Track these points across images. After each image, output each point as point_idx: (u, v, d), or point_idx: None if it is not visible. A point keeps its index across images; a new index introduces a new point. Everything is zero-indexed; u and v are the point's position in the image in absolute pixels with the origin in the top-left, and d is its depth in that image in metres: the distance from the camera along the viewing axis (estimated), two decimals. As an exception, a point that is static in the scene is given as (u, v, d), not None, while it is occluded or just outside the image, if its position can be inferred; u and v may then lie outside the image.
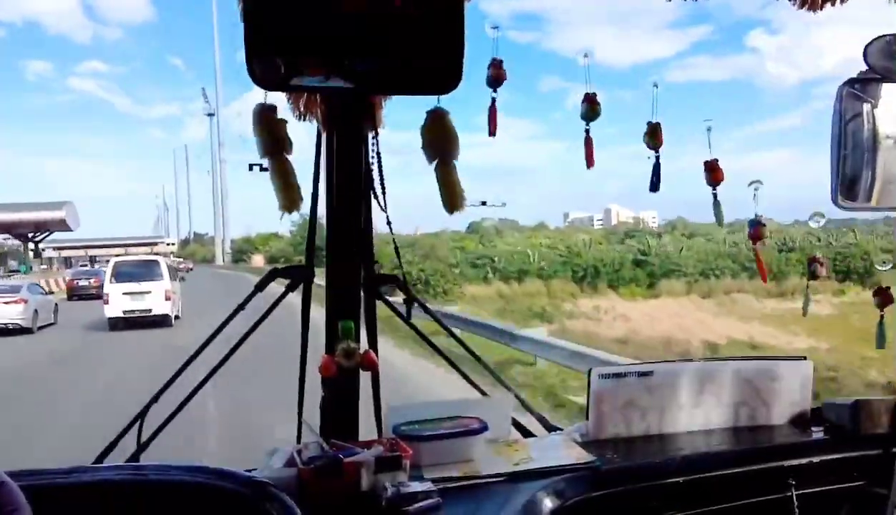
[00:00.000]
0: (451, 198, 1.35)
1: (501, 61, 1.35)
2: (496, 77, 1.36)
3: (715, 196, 1.44)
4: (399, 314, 1.55)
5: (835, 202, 1.38)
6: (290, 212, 1.33)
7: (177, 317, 17.72)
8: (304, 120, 1.42)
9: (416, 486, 1.18)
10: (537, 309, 24.71)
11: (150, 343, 14.51)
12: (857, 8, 1.31)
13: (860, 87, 1.35)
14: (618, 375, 1.50)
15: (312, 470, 1.18)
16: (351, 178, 1.41)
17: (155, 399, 1.42)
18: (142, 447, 1.41)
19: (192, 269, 49.88)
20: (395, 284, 1.55)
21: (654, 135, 1.45)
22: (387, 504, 1.15)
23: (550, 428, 1.57)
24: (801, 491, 1.41)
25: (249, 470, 1.20)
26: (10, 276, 30.00)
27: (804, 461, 1.45)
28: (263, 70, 1.18)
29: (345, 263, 1.43)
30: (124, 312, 16.81)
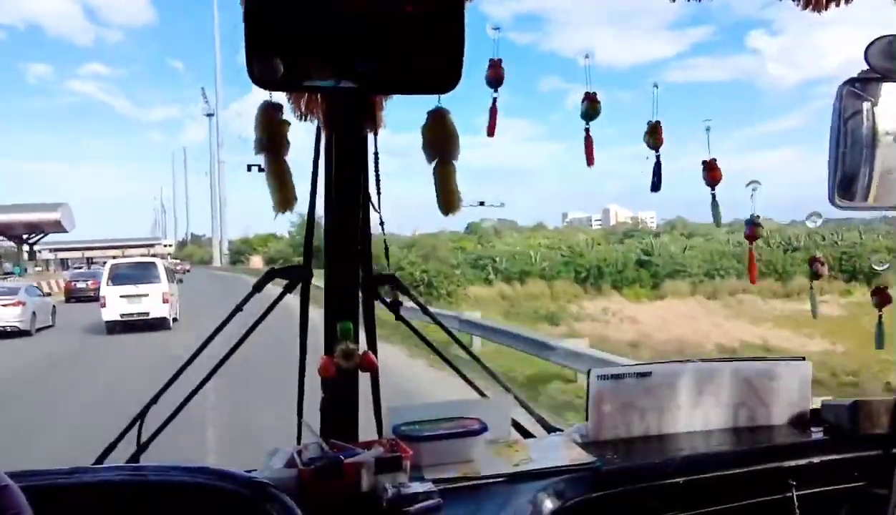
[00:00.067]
0: (448, 199, 1.35)
1: (500, 61, 1.35)
2: (494, 77, 1.36)
3: (714, 196, 1.44)
4: (398, 314, 1.55)
5: (832, 201, 1.38)
6: (283, 211, 1.32)
7: (175, 320, 17.63)
8: (305, 120, 1.42)
9: (417, 487, 1.18)
10: (543, 311, 24.21)
11: (148, 345, 14.49)
12: (859, 9, 1.31)
13: (860, 86, 1.35)
14: (617, 376, 1.51)
15: (313, 471, 1.17)
16: (350, 179, 1.41)
17: (154, 400, 1.42)
18: (142, 447, 1.40)
19: (188, 271, 49.73)
20: (394, 285, 1.55)
21: (654, 135, 1.45)
22: (387, 504, 1.15)
23: (550, 429, 1.57)
24: (801, 492, 1.41)
25: (249, 471, 1.20)
26: (4, 278, 29.86)
27: (804, 461, 1.45)
28: (263, 70, 1.18)
29: (343, 264, 1.43)
30: (121, 315, 16.69)
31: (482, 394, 1.58)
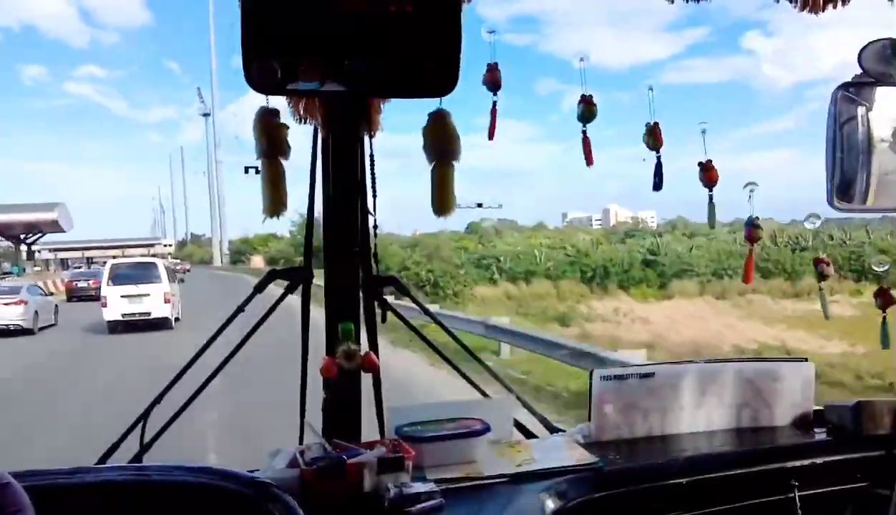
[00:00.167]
0: (443, 200, 1.36)
1: (496, 65, 1.35)
2: (491, 80, 1.36)
3: (710, 197, 1.44)
4: (398, 314, 1.56)
5: (830, 204, 1.38)
6: (272, 216, 1.33)
7: (177, 319, 17.62)
8: (304, 122, 1.42)
9: (419, 487, 1.18)
10: (552, 311, 23.65)
11: (151, 344, 14.50)
12: (853, 11, 1.31)
13: (854, 91, 1.36)
14: (620, 377, 1.51)
15: (315, 471, 1.18)
16: (349, 180, 1.42)
17: (158, 400, 1.42)
18: (145, 447, 1.41)
19: (188, 271, 49.60)
20: (395, 285, 1.55)
21: (652, 136, 1.45)
22: (389, 504, 1.15)
23: (552, 429, 1.57)
24: (803, 493, 1.41)
25: (252, 471, 1.20)
26: (2, 278, 29.83)
27: (807, 462, 1.45)
28: (260, 74, 1.18)
29: (344, 264, 1.43)
30: (123, 315, 16.66)
31: (484, 395, 1.58)
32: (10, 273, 37.91)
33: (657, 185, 1.44)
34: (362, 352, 1.36)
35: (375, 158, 1.43)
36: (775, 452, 1.48)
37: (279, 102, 1.36)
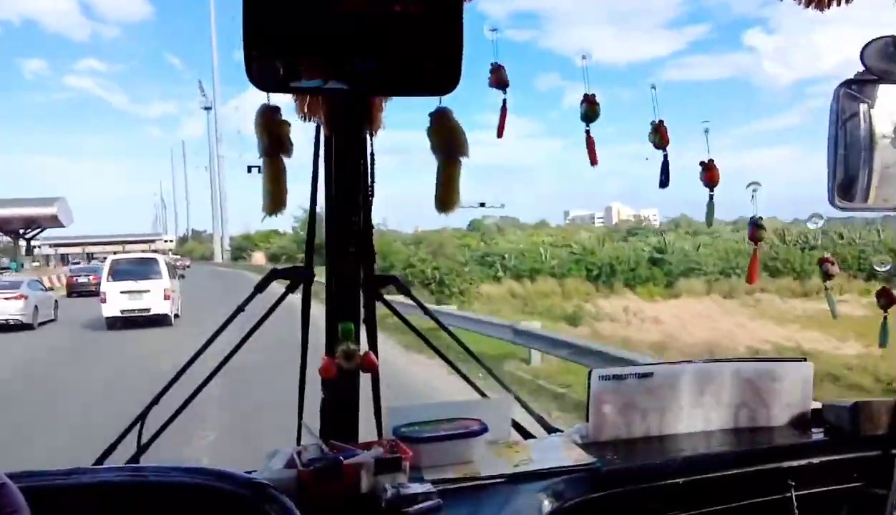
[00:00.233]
0: (447, 197, 1.35)
1: (502, 66, 1.35)
2: (498, 81, 1.35)
3: (711, 197, 1.44)
4: (399, 315, 1.55)
5: (832, 202, 1.38)
6: (272, 215, 1.33)
7: (176, 316, 17.59)
8: (308, 120, 1.42)
9: (416, 488, 1.18)
10: (558, 310, 22.78)
11: (150, 339, 14.52)
12: (855, 8, 1.31)
13: (857, 88, 1.35)
14: (618, 377, 1.50)
15: (312, 472, 1.17)
16: (351, 179, 1.41)
17: (155, 400, 1.42)
18: (142, 448, 1.41)
19: (188, 267, 49.41)
20: (395, 285, 1.55)
21: (658, 134, 1.44)
22: (386, 505, 1.15)
23: (550, 430, 1.57)
24: (800, 492, 1.41)
25: (249, 472, 1.19)
26: (0, 274, 29.80)
27: (804, 462, 1.45)
28: (262, 72, 1.18)
29: (344, 264, 1.43)
30: (122, 311, 16.64)
31: (483, 395, 1.58)
32: (8, 268, 37.70)
33: (663, 183, 1.44)
34: (362, 352, 1.36)
35: (375, 155, 1.43)
36: (773, 452, 1.48)
37: (280, 100, 1.36)
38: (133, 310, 16.63)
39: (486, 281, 28.63)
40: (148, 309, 16.74)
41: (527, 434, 1.53)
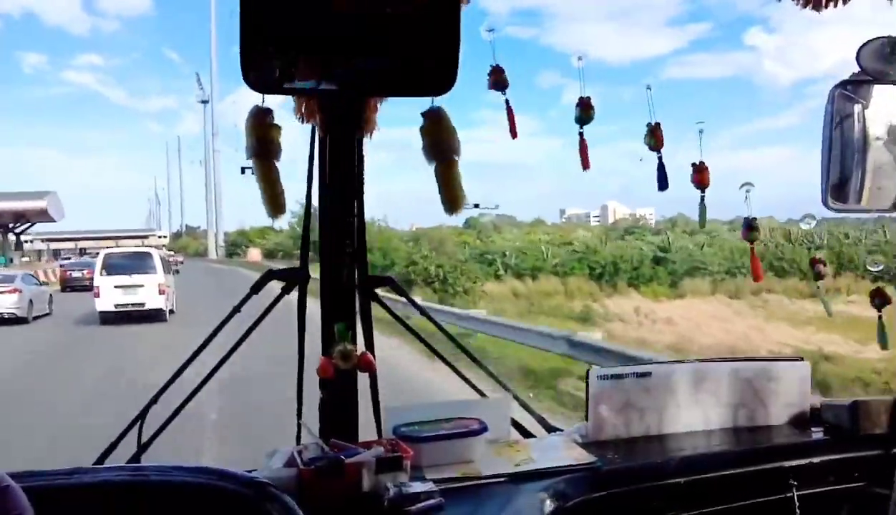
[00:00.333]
0: (452, 197, 1.35)
1: (501, 68, 1.35)
2: (497, 83, 1.35)
3: (702, 199, 1.44)
4: (395, 315, 1.55)
5: (825, 203, 1.38)
6: (276, 216, 1.34)
7: (171, 312, 17.50)
8: (306, 121, 1.42)
9: (418, 487, 1.18)
10: (565, 310, 21.99)
11: (145, 333, 14.47)
12: (855, 8, 1.31)
13: (852, 89, 1.35)
14: (617, 376, 1.51)
15: (313, 471, 1.17)
16: (345, 180, 1.42)
17: (154, 400, 1.42)
18: (142, 448, 1.40)
19: (181, 263, 49.03)
20: (390, 285, 1.55)
21: (654, 136, 1.45)
22: (388, 504, 1.15)
23: (550, 429, 1.58)
24: (801, 492, 1.41)
25: (250, 471, 1.19)
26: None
27: (804, 461, 1.46)
28: (258, 74, 1.18)
29: (339, 265, 1.43)
30: (116, 306, 16.45)
31: (482, 394, 1.58)
32: (-4, 262, 37.03)
33: (661, 186, 1.44)
34: (359, 352, 1.36)
35: (371, 153, 1.44)
36: (773, 451, 1.49)
37: (278, 101, 1.35)
38: (127, 305, 16.45)
39: (488, 280, 28.01)
40: (142, 304, 16.58)
41: (527, 434, 1.54)
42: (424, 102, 1.34)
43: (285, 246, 40.02)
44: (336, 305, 1.42)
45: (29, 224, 42.81)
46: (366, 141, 1.45)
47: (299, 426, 1.41)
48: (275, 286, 1.51)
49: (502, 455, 1.38)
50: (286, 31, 1.17)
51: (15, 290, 17.72)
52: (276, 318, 1.50)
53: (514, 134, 1.38)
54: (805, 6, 1.30)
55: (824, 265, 1.52)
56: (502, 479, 1.28)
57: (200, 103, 78.19)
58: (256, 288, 1.50)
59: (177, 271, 25.58)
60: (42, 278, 25.84)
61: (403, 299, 1.66)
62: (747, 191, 1.41)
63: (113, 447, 1.39)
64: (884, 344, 1.41)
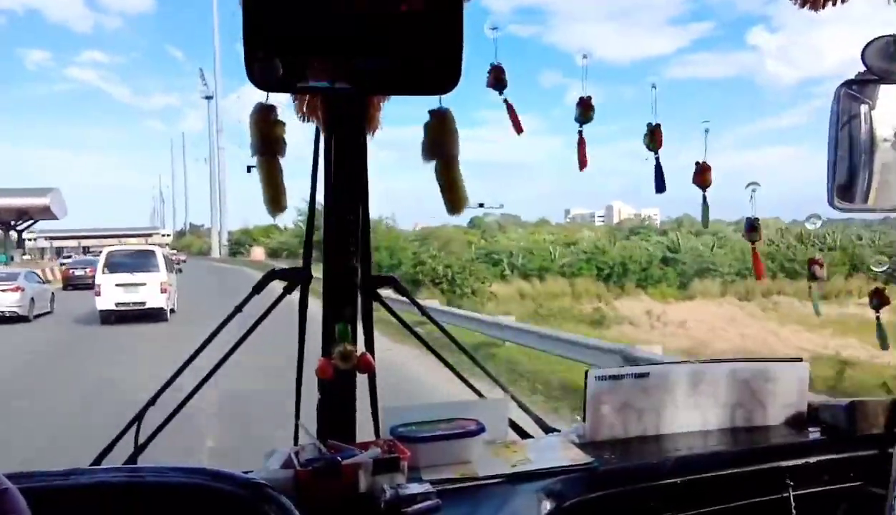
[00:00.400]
0: (454, 198, 1.34)
1: (501, 67, 1.34)
2: (496, 81, 1.35)
3: (704, 199, 1.44)
4: (397, 316, 1.55)
5: (831, 203, 1.38)
6: (275, 214, 1.33)
7: (172, 311, 17.45)
8: (308, 120, 1.42)
9: (415, 488, 1.18)
10: (576, 312, 21.17)
11: (146, 332, 14.48)
12: (858, 7, 1.30)
13: (857, 89, 1.35)
14: (615, 376, 1.51)
15: (310, 472, 1.18)
16: (349, 179, 1.41)
17: (152, 401, 1.42)
18: (139, 449, 1.40)
19: (184, 261, 48.83)
20: (393, 285, 1.54)
21: (653, 137, 1.44)
22: (385, 505, 1.15)
23: (548, 430, 1.58)
24: (798, 492, 1.41)
25: (247, 472, 1.20)
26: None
27: (801, 461, 1.46)
28: (262, 72, 1.18)
29: (342, 265, 1.43)
30: (117, 304, 16.33)
31: (480, 395, 1.58)
32: (-3, 261, 36.68)
33: (659, 188, 1.44)
34: (359, 353, 1.36)
35: (375, 152, 1.44)
36: (770, 451, 1.49)
37: (279, 98, 1.35)
38: (128, 304, 16.36)
39: (493, 281, 27.16)
40: (143, 303, 16.49)
41: (524, 434, 1.54)
42: (430, 102, 1.33)
43: (290, 245, 39.83)
44: (338, 305, 1.42)
45: (31, 221, 42.51)
46: (370, 139, 1.45)
47: (297, 426, 1.41)
48: (278, 286, 1.51)
49: (500, 456, 1.38)
50: (290, 29, 1.17)
51: (17, 288, 17.75)
52: (278, 319, 1.50)
53: (518, 129, 1.37)
54: (803, 6, 1.29)
55: (821, 266, 1.51)
56: (499, 480, 1.28)
57: (204, 99, 78.07)
58: (258, 287, 1.50)
59: (179, 270, 25.53)
60: (44, 276, 25.87)
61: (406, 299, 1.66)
62: (753, 190, 1.41)
63: (110, 448, 1.39)
64: (883, 344, 1.41)
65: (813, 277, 1.50)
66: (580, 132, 1.42)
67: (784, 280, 25.80)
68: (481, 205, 38.59)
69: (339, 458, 1.19)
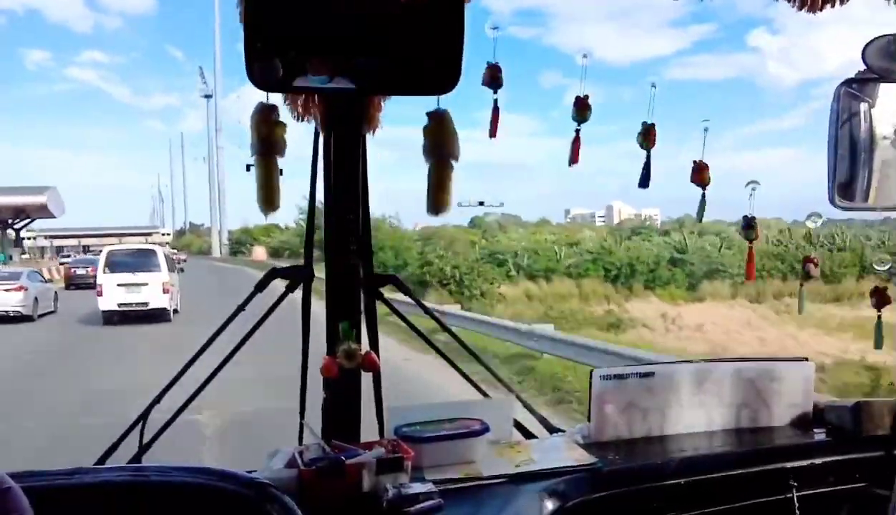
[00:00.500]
0: (439, 198, 1.35)
1: (498, 65, 1.34)
2: (491, 79, 1.35)
3: (703, 196, 1.44)
4: (399, 314, 1.55)
5: (832, 202, 1.38)
6: (267, 213, 1.34)
7: (175, 311, 17.34)
8: (303, 120, 1.41)
9: (418, 487, 1.18)
10: (588, 314, 20.45)
11: (150, 330, 14.47)
12: (858, 8, 1.30)
13: (857, 87, 1.35)
14: (619, 376, 1.50)
15: (314, 471, 1.17)
16: (349, 178, 1.41)
17: (157, 400, 1.42)
18: (143, 448, 1.40)
19: (185, 260, 48.62)
20: (394, 284, 1.54)
21: (647, 136, 1.44)
22: (388, 505, 1.15)
23: (552, 430, 1.57)
24: (802, 493, 1.41)
25: (251, 471, 1.19)
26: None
27: (805, 462, 1.45)
28: (263, 72, 1.18)
29: (344, 263, 1.43)
30: (119, 305, 16.17)
31: (485, 395, 1.57)
32: (-6, 260, 36.32)
33: (643, 184, 1.44)
34: (363, 351, 1.36)
35: (376, 151, 1.44)
36: (774, 452, 1.48)
37: (280, 98, 1.35)
38: (130, 304, 16.20)
39: (500, 281, 26.45)
40: (146, 303, 16.35)
41: (529, 435, 1.53)
42: (430, 102, 1.33)
43: (291, 244, 39.70)
44: (340, 304, 1.42)
45: (29, 219, 42.30)
46: (370, 139, 1.45)
47: (301, 426, 1.41)
48: (280, 285, 1.51)
49: (503, 456, 1.37)
50: (290, 29, 1.18)
51: (20, 288, 17.73)
52: (281, 319, 1.50)
53: (493, 133, 1.38)
54: (801, 8, 1.29)
55: (816, 265, 1.52)
56: (503, 480, 1.28)
57: (204, 98, 77.82)
58: (261, 286, 1.50)
59: (181, 269, 25.47)
60: (46, 275, 25.88)
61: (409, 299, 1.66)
62: (753, 189, 1.41)
63: (114, 447, 1.39)
64: (878, 343, 1.41)
65: (807, 275, 1.51)
66: (577, 131, 1.42)
67: (794, 282, 24.08)
68: (481, 203, 38.43)
69: (342, 458, 1.19)
